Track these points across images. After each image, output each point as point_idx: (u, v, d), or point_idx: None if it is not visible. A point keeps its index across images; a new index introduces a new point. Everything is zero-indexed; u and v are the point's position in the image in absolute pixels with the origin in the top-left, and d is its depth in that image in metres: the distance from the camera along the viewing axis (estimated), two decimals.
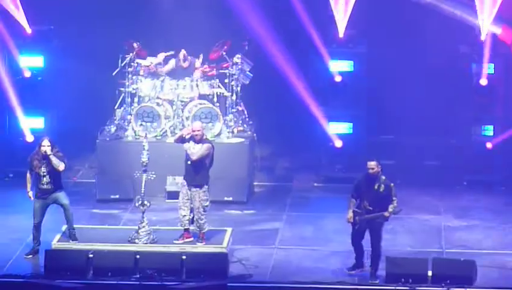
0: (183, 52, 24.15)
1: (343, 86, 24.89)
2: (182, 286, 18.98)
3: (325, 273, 19.79)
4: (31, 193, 20.84)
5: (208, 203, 20.74)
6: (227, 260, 19.62)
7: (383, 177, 19.79)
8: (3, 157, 24.67)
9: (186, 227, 20.59)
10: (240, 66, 24.00)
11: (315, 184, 23.94)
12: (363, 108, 25.07)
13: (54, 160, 20.46)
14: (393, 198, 19.70)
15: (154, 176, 20.86)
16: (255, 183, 24.09)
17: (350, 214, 19.73)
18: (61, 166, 20.62)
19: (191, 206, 20.69)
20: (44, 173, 20.49)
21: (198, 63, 24.13)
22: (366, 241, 20.03)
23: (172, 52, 24.24)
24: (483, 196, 23.97)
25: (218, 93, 23.66)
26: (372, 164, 19.76)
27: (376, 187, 19.72)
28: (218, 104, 23.59)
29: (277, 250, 20.89)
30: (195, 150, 20.85)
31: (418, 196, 23.31)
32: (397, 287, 19.08)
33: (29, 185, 20.89)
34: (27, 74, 24.85)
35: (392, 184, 19.93)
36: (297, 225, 22.14)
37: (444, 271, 19.22)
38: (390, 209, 19.65)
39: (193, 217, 20.73)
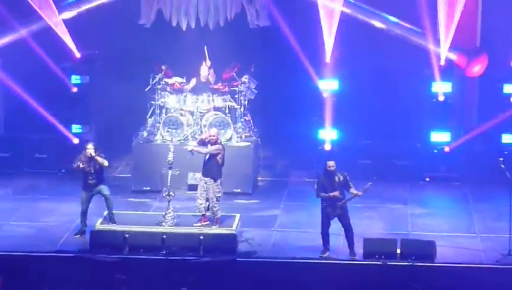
0: (205, 67, 23.81)
1: (330, 100, 24.59)
2: (199, 261, 18.99)
3: (316, 251, 19.74)
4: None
5: (220, 194, 20.79)
6: (236, 240, 19.82)
7: (337, 171, 19.98)
8: (58, 156, 24.29)
9: (203, 213, 20.58)
10: (247, 84, 23.82)
11: (307, 179, 23.55)
12: (347, 119, 24.73)
13: (99, 159, 20.55)
14: (350, 184, 19.77)
15: (178, 172, 20.88)
16: (259, 178, 24.03)
17: (334, 193, 19.56)
18: (105, 162, 20.66)
19: (206, 196, 20.66)
20: (91, 171, 20.55)
21: (210, 73, 23.89)
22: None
23: (184, 80, 23.95)
24: (441, 189, 23.89)
25: (230, 106, 23.56)
26: (332, 163, 19.78)
27: (337, 179, 19.67)
28: (229, 115, 23.48)
29: (276, 232, 20.98)
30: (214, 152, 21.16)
31: (389, 189, 23.07)
32: (373, 262, 19.01)
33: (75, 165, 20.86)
34: (74, 90, 24.69)
35: (345, 173, 19.98)
36: (293, 212, 22.15)
37: (410, 250, 19.20)
38: (361, 191, 19.62)
39: (209, 205, 20.73)
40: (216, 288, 18.59)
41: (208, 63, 23.84)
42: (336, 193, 19.65)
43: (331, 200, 19.61)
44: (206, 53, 23.79)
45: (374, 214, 21.55)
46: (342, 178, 19.71)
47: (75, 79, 24.73)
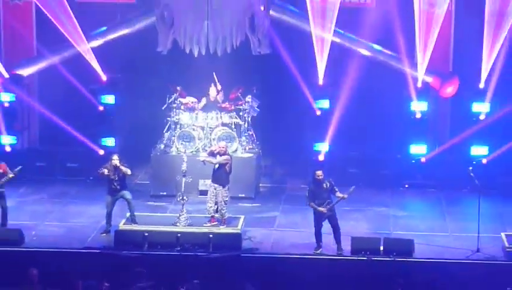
0: (213, 88, 23.93)
1: (323, 117, 24.60)
2: (209, 256, 19.34)
3: (310, 248, 19.94)
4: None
5: (227, 198, 21.00)
6: (241, 238, 20.10)
7: (325, 179, 20.00)
8: (86, 166, 24.25)
9: (212, 215, 20.83)
10: (250, 104, 23.85)
11: (302, 186, 23.22)
12: (337, 133, 24.54)
13: (123, 169, 20.77)
14: (336, 188, 19.85)
15: (190, 179, 21.13)
16: (260, 185, 24.05)
17: (322, 208, 19.71)
18: (128, 171, 20.88)
19: (215, 200, 20.86)
20: (115, 178, 20.81)
21: (219, 94, 23.96)
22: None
23: (195, 100, 23.87)
24: (419, 194, 23.90)
25: (235, 122, 23.62)
26: (320, 172, 19.92)
27: (324, 186, 19.78)
28: (235, 130, 23.50)
29: (275, 231, 21.22)
30: (223, 162, 21.20)
31: (374, 194, 23.30)
32: (359, 258, 19.33)
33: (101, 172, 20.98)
34: (101, 108, 24.72)
35: (331, 179, 20.06)
36: (290, 214, 22.26)
37: (392, 247, 19.50)
38: (346, 194, 19.70)
39: (217, 208, 20.94)
40: (223, 280, 18.62)
41: (219, 87, 23.91)
42: (324, 210, 19.71)
43: (319, 204, 19.76)
44: (216, 78, 23.85)
45: (360, 216, 21.76)
46: (328, 184, 19.80)
47: (102, 99, 24.77)
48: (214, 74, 23.77)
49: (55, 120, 24.61)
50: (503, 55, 24.01)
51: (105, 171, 20.93)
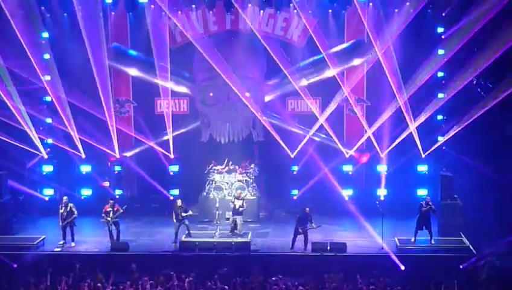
0: (230, 166, 23.45)
1: (297, 176, 23.91)
2: (232, 254, 19.50)
3: (287, 248, 20.06)
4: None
5: (242, 222, 21.12)
6: (250, 244, 20.18)
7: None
8: (163, 206, 23.13)
9: (232, 232, 20.98)
10: (253, 169, 23.56)
11: (283, 214, 23.35)
12: (305, 184, 23.53)
13: (187, 212, 20.61)
14: (312, 220, 19.89)
15: (220, 212, 21.34)
16: (260, 214, 23.44)
17: (300, 232, 19.86)
18: (190, 212, 20.85)
19: (234, 223, 20.99)
20: (180, 213, 20.62)
21: (238, 169, 23.58)
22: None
23: (223, 167, 23.32)
24: (350, 218, 22.23)
25: (245, 179, 23.32)
26: (308, 209, 20.05)
27: (309, 218, 19.92)
28: (245, 183, 23.23)
29: (268, 240, 21.10)
30: (239, 202, 21.15)
31: (323, 219, 21.66)
32: (316, 254, 19.33)
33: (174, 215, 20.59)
34: (171, 173, 23.75)
35: (310, 214, 19.93)
36: (278, 231, 21.98)
37: (334, 247, 19.47)
38: (316, 226, 19.88)
39: (235, 227, 20.95)
40: (240, 267, 18.61)
41: (238, 169, 23.27)
42: (301, 232, 19.67)
43: (304, 227, 19.68)
44: (230, 163, 23.28)
45: (316, 230, 20.58)
46: (309, 216, 19.97)
47: (170, 168, 23.95)
48: (226, 160, 23.33)
49: (147, 179, 23.85)
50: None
51: (174, 214, 20.70)
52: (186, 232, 20.87)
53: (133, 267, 18.25)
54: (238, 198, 21.42)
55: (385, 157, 23.31)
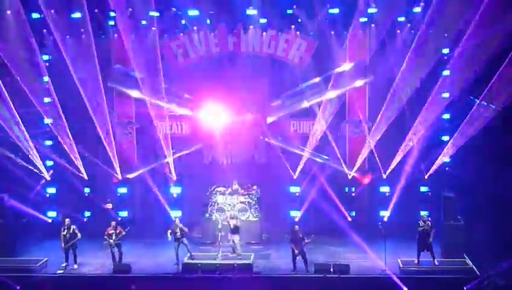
0: (235, 186, 23.56)
1: (296, 198, 23.96)
2: (234, 276, 19.55)
3: (288, 270, 20.16)
4: (169, 237, 20.52)
5: (240, 241, 21.15)
6: (252, 266, 20.35)
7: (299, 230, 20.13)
8: (166, 228, 21.74)
9: (233, 253, 21.14)
10: (256, 191, 23.49)
11: (286, 235, 22.01)
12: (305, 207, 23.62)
13: (184, 229, 20.74)
14: (304, 236, 19.89)
15: (223, 233, 21.37)
16: (262, 235, 23.34)
17: (297, 250, 19.94)
18: (185, 229, 20.66)
19: (233, 244, 21.14)
20: (178, 232, 20.60)
21: (240, 190, 23.61)
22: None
23: (225, 189, 23.34)
24: (349, 240, 22.29)
25: (247, 201, 23.37)
26: (297, 227, 20.19)
27: (300, 235, 20.02)
28: (247, 205, 23.31)
29: (271, 262, 21.23)
30: (233, 221, 21.35)
31: (326, 240, 22.38)
32: (319, 275, 19.44)
33: (169, 233, 20.56)
34: (174, 195, 23.82)
35: (298, 229, 20.01)
36: (278, 252, 22.01)
37: (337, 269, 19.58)
38: (308, 240, 19.82)
39: (235, 247, 21.15)
40: (243, 289, 19.00)
41: (241, 191, 23.41)
42: (295, 249, 19.80)
43: (299, 246, 19.84)
44: (237, 184, 23.53)
45: (319, 251, 21.29)
46: (300, 234, 20.11)
47: (170, 189, 23.82)
48: (234, 181, 23.52)
49: (149, 201, 23.79)
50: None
51: (170, 232, 20.65)
52: (188, 254, 20.89)
53: (132, 289, 18.37)
54: (232, 218, 21.62)
55: (388, 178, 23.26)
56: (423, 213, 21.98)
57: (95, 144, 23.20)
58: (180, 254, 20.85)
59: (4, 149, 22.00)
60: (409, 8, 22.12)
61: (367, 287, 18.60)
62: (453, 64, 21.61)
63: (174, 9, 22.70)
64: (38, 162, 22.81)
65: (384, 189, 23.60)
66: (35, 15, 22.25)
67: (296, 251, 19.93)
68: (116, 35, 22.94)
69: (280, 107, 23.37)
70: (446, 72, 21.88)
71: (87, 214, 23.77)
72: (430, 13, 21.25)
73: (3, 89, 21.50)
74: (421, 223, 20.00)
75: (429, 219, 20.35)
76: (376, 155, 23.06)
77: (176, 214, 23.34)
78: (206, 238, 22.85)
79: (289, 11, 22.62)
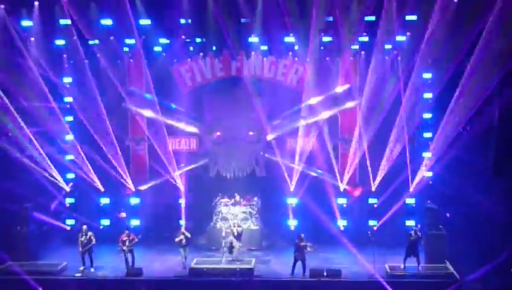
0: (237, 198, 23.99)
1: (294, 208, 24.22)
2: (237, 279, 20.00)
3: (287, 274, 20.50)
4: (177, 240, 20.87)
5: (239, 246, 21.35)
6: (253, 270, 20.65)
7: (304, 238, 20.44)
8: (174, 233, 22.35)
9: (229, 251, 21.35)
10: (256, 201, 23.94)
11: (284, 243, 23.14)
12: (300, 216, 23.98)
13: (187, 234, 21.06)
14: (306, 244, 20.39)
15: (226, 240, 21.64)
16: (262, 242, 23.66)
17: (299, 257, 20.30)
18: (188, 234, 20.83)
19: (230, 244, 21.29)
20: (183, 239, 21.08)
21: (242, 201, 24.00)
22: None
23: (229, 200, 23.72)
24: (341, 247, 22.54)
25: (249, 211, 23.67)
26: (302, 235, 20.50)
27: (302, 244, 20.42)
28: (249, 214, 23.59)
29: (271, 266, 21.53)
30: (236, 229, 21.66)
31: (321, 248, 22.45)
32: (314, 279, 19.78)
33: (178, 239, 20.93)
34: (182, 206, 24.09)
35: (303, 238, 20.36)
36: (279, 258, 22.20)
37: (330, 273, 20.11)
38: (309, 249, 20.28)
39: (232, 247, 21.32)
40: None
41: (243, 202, 23.79)
42: (299, 255, 20.19)
43: (301, 253, 20.36)
44: (238, 197, 23.91)
45: (313, 256, 21.21)
46: (304, 241, 20.47)
47: (179, 199, 24.00)
48: (236, 194, 23.96)
49: (160, 210, 24.28)
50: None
51: (178, 237, 20.98)
52: (195, 260, 21.40)
53: (141, 288, 19.37)
54: (235, 226, 22.21)
55: (376, 190, 23.69)
56: (410, 223, 22.78)
57: (110, 159, 23.87)
58: (188, 258, 21.41)
59: (30, 162, 22.89)
60: (394, 37, 22.98)
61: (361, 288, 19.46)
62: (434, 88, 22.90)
63: (183, 36, 23.76)
64: (58, 177, 23.63)
65: (373, 200, 24.10)
66: (58, 42, 23.53)
67: (299, 257, 20.27)
68: (131, 60, 24.02)
69: (279, 126, 24.10)
70: (428, 95, 23.12)
71: (104, 222, 24.39)
72: (415, 41, 22.47)
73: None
74: (413, 233, 20.60)
75: (419, 229, 21.04)
76: (366, 169, 23.66)
77: (182, 222, 23.70)
78: (211, 245, 23.18)
79: (287, 39, 23.63)
